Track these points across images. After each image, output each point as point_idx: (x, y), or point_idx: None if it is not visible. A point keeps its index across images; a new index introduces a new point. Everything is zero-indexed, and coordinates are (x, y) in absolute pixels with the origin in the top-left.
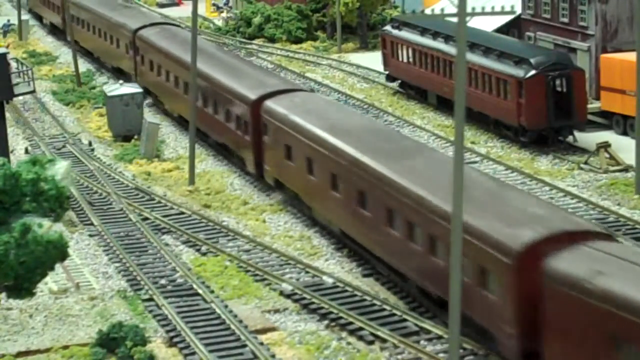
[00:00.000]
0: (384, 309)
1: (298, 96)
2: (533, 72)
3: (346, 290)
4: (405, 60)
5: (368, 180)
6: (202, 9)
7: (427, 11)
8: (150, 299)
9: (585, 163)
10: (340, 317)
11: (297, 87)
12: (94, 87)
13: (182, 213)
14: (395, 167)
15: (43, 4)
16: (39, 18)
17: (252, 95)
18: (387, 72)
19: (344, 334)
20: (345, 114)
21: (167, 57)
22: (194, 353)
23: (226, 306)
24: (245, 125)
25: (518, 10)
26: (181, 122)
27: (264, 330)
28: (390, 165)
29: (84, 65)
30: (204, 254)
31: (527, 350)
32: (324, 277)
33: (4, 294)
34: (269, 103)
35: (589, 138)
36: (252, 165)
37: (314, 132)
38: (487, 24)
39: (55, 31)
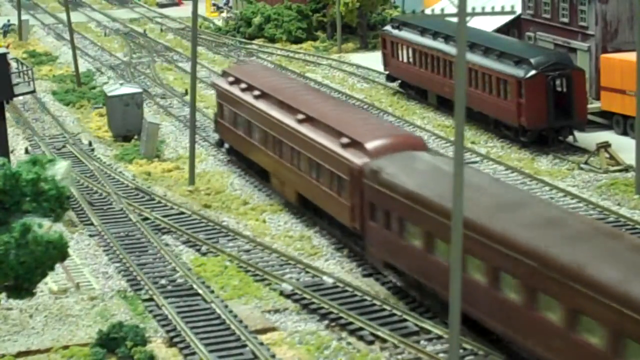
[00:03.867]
0: (384, 309)
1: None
2: (533, 72)
3: (346, 290)
4: (405, 60)
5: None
6: (202, 9)
7: (427, 11)
8: (150, 299)
9: (585, 163)
10: (341, 317)
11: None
12: (94, 87)
13: (182, 213)
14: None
15: (266, 144)
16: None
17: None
18: (387, 72)
19: (344, 334)
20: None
21: None
22: (194, 353)
23: (226, 306)
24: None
25: (518, 10)
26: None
27: (264, 330)
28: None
29: (84, 65)
30: (204, 254)
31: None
32: (324, 277)
33: (4, 294)
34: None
35: (589, 138)
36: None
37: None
38: (487, 24)
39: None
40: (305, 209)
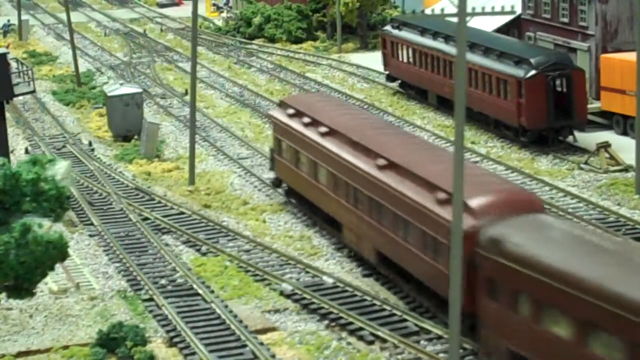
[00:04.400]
0: (384, 309)
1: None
2: (533, 72)
3: (346, 290)
4: (405, 60)
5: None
6: (202, 9)
7: (427, 11)
8: (150, 299)
9: (585, 163)
10: (341, 317)
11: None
12: (94, 87)
13: (182, 213)
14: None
15: (337, 191)
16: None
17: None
18: (387, 72)
19: (344, 334)
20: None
21: None
22: (194, 353)
23: (226, 306)
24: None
25: (518, 10)
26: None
27: (264, 330)
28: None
29: (84, 65)
30: (204, 254)
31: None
32: (324, 277)
33: (4, 294)
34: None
35: (589, 138)
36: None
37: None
38: (487, 24)
39: None
40: (387, 270)
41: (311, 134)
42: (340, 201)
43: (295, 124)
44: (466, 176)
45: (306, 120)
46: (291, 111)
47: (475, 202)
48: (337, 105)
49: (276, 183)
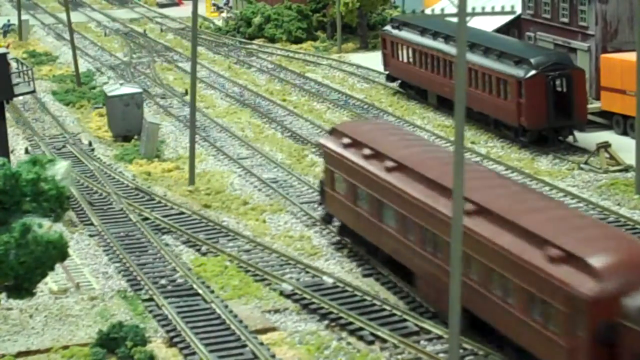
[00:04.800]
0: (384, 309)
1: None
2: (533, 72)
3: (346, 290)
4: (405, 60)
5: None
6: (202, 9)
7: (427, 11)
8: (150, 299)
9: (585, 163)
10: (341, 317)
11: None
12: (94, 87)
13: (182, 213)
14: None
15: (408, 235)
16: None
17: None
18: (387, 72)
19: (344, 334)
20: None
21: None
22: (194, 353)
23: (226, 306)
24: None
25: (518, 10)
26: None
27: (264, 330)
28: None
29: (84, 65)
30: (204, 254)
31: None
32: (324, 277)
33: (4, 294)
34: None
35: (589, 138)
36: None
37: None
38: (487, 24)
39: None
40: (476, 332)
41: (374, 168)
42: (414, 247)
43: (352, 156)
44: (576, 227)
45: (367, 152)
46: (347, 141)
47: (598, 262)
48: (400, 135)
49: (327, 219)
